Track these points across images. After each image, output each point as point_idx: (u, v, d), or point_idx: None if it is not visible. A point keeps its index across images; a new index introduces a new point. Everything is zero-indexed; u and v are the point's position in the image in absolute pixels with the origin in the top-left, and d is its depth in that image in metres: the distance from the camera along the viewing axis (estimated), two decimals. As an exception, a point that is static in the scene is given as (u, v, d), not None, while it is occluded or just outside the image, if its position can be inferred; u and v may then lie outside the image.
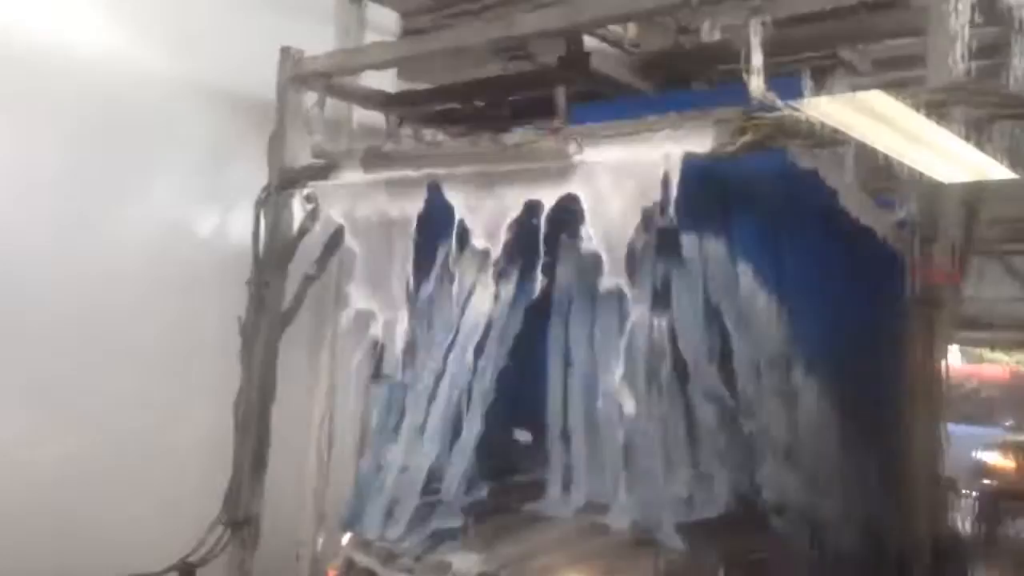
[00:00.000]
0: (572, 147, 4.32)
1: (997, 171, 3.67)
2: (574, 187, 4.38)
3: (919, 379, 3.82)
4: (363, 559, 4.57)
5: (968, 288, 6.61)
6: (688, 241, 4.52)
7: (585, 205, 4.36)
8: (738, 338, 4.50)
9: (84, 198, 5.37)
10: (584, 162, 4.33)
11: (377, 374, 6.07)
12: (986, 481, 9.56)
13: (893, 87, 4.56)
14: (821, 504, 4.51)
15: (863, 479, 4.75)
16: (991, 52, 3.78)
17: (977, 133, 3.55)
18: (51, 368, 5.17)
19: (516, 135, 4.53)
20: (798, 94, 3.89)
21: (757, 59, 3.87)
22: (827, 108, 3.48)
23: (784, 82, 4.01)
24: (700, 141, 4.05)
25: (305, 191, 5.58)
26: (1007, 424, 11.80)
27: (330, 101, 6.04)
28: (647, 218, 4.28)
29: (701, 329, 4.46)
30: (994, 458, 10.39)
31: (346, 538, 4.78)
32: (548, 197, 4.45)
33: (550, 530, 4.56)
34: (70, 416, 5.26)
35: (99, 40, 5.46)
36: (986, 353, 14.16)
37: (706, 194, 4.62)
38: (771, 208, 4.69)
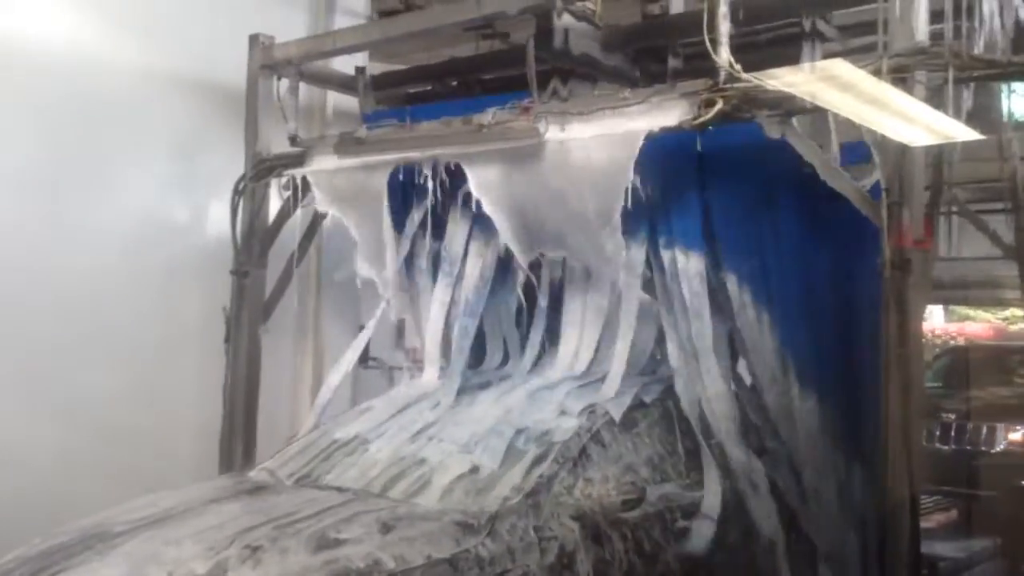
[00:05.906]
0: (541, 126, 4.33)
1: (962, 133, 3.70)
2: (546, 165, 4.41)
3: (894, 344, 3.83)
4: None
5: (947, 250, 6.69)
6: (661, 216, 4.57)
7: (555, 183, 4.39)
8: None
9: (59, 192, 5.33)
10: (554, 140, 4.35)
11: (365, 358, 6.12)
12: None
13: (861, 52, 4.61)
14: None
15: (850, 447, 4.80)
16: (954, 15, 3.78)
17: (941, 96, 3.57)
18: (36, 362, 5.19)
19: (487, 115, 4.52)
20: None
21: (724, 29, 3.87)
22: (791, 78, 3.49)
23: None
24: (669, 115, 4.07)
25: (282, 179, 5.59)
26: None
27: (305, 87, 6.04)
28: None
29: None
30: None
31: None
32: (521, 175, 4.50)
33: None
34: (60, 408, 5.26)
35: (67, 31, 5.40)
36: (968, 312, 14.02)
37: (681, 168, 4.64)
38: (749, 178, 4.72)
